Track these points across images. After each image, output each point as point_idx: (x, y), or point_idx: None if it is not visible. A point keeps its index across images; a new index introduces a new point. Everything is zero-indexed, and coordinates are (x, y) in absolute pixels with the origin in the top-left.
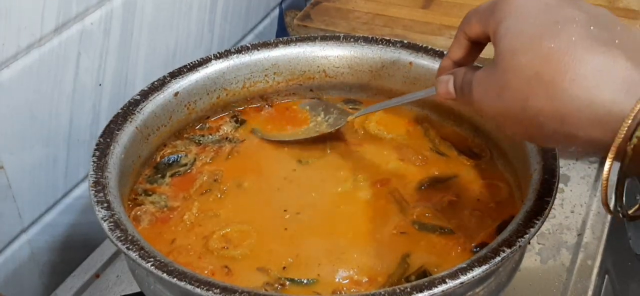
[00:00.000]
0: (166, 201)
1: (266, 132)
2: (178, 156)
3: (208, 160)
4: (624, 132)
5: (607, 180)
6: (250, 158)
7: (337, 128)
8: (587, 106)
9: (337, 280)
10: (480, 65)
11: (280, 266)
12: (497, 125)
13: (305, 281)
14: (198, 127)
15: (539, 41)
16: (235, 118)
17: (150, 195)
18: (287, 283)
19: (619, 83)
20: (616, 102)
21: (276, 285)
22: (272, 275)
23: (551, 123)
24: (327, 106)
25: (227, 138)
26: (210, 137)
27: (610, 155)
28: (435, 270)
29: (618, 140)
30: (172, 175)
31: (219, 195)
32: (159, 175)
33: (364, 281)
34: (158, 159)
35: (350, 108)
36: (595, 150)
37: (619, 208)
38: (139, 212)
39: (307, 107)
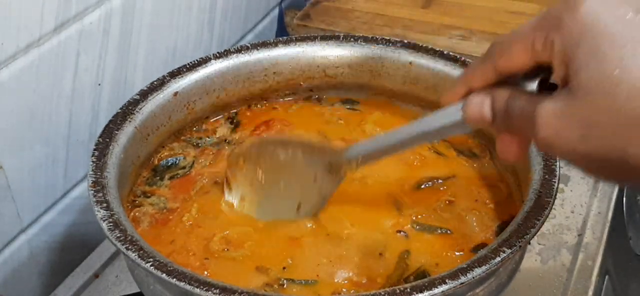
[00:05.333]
0: (165, 203)
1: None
2: (176, 159)
3: (208, 163)
4: None
5: None
6: None
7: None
8: None
9: (336, 280)
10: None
11: (280, 266)
12: (570, 163)
13: (304, 282)
14: (195, 128)
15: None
16: (230, 120)
17: (149, 197)
18: (286, 283)
19: None
20: None
21: (276, 286)
22: (271, 276)
23: None
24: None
25: (225, 140)
26: (208, 139)
27: None
28: (434, 270)
29: None
30: (170, 178)
31: (219, 197)
32: (158, 178)
33: (363, 282)
34: (156, 162)
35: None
36: None
37: None
38: (137, 213)
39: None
